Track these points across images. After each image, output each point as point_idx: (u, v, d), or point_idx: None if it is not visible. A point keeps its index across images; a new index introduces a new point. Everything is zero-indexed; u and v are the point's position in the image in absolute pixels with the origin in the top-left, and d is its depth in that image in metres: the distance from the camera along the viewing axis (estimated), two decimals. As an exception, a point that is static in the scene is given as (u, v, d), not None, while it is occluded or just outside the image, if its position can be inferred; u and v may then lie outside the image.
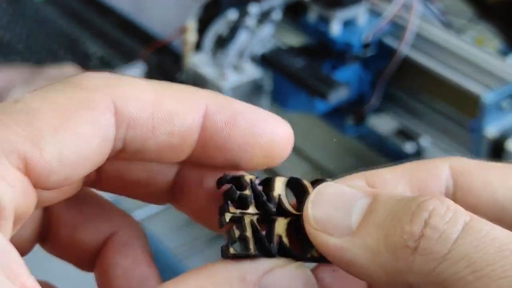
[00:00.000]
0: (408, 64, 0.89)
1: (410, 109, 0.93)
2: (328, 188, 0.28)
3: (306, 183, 0.30)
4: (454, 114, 0.87)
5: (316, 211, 0.28)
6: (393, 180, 0.30)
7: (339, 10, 0.90)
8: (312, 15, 0.92)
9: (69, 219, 0.31)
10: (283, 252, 0.28)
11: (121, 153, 0.28)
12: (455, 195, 0.30)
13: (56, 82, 0.27)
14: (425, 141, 0.91)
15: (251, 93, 0.91)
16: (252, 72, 0.93)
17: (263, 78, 0.94)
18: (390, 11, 0.90)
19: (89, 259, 0.32)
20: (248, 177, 0.29)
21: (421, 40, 0.90)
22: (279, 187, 0.30)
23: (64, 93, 0.27)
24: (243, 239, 0.28)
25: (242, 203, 0.29)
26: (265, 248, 0.28)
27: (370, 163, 0.92)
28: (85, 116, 0.26)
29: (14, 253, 0.24)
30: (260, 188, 0.29)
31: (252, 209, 0.29)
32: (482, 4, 1.09)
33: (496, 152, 0.80)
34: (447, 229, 0.25)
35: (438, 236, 0.25)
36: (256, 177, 0.30)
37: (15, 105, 0.26)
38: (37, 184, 0.26)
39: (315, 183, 0.30)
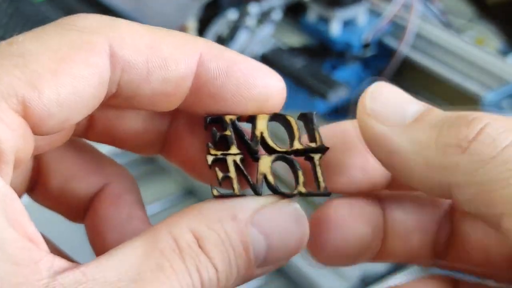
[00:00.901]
0: (408, 64, 0.89)
1: (410, 109, 0.92)
2: (387, 87, 0.29)
3: (290, 118, 0.30)
4: (454, 114, 0.87)
5: (373, 103, 0.28)
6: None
7: (339, 10, 0.90)
8: (312, 15, 0.92)
9: (61, 169, 0.31)
10: (269, 190, 0.28)
11: (113, 99, 0.28)
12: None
13: (50, 24, 0.27)
14: (425, 141, 0.91)
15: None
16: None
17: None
18: (390, 11, 0.90)
19: (79, 210, 0.32)
20: (228, 117, 0.29)
21: (421, 40, 0.90)
22: (262, 125, 0.29)
23: (59, 35, 0.26)
24: (227, 179, 0.28)
25: (224, 144, 0.28)
26: (252, 187, 0.28)
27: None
28: (81, 58, 0.26)
29: (17, 199, 0.24)
30: (242, 127, 0.29)
31: (234, 150, 0.28)
32: (482, 4, 1.09)
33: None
34: (499, 138, 0.26)
35: (490, 141, 0.26)
36: (238, 117, 0.29)
37: (9, 47, 0.26)
38: (35, 128, 0.25)
39: (300, 117, 0.30)
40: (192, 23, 0.95)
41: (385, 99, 0.29)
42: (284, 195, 0.28)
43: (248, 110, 0.29)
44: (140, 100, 0.28)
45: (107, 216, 0.31)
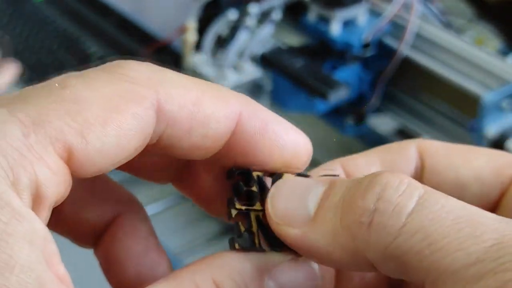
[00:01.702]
0: (408, 64, 0.89)
1: (410, 109, 0.93)
2: (286, 182, 0.29)
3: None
4: (454, 114, 0.87)
5: (275, 205, 0.28)
6: (366, 163, 0.31)
7: (339, 10, 0.90)
8: (312, 15, 0.92)
9: (75, 196, 0.31)
10: (288, 247, 0.28)
11: (151, 147, 0.28)
12: (423, 175, 0.31)
13: (100, 70, 0.27)
14: (425, 141, 0.91)
15: (251, 93, 0.92)
16: (252, 72, 0.93)
17: (263, 78, 0.94)
18: (390, 11, 0.90)
19: (91, 236, 0.32)
20: (255, 173, 0.30)
21: (421, 40, 0.90)
22: None
23: (110, 84, 0.27)
24: (248, 233, 0.28)
25: (249, 199, 0.29)
26: (270, 242, 0.28)
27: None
28: (130, 111, 0.26)
29: (52, 241, 0.25)
30: (267, 184, 0.30)
31: (257, 205, 0.29)
32: (482, 4, 1.09)
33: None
34: (401, 202, 0.25)
35: (392, 209, 0.25)
36: (264, 173, 0.30)
37: (62, 91, 0.26)
38: (74, 173, 0.26)
39: (300, 175, 0.30)
40: (192, 23, 0.95)
41: (285, 199, 0.28)
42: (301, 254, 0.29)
43: (276, 167, 0.30)
44: (176, 151, 0.29)
45: (124, 247, 0.32)
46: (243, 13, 0.91)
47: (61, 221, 0.32)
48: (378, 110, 0.94)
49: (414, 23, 0.89)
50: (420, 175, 0.31)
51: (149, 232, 0.32)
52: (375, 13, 0.92)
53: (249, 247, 0.28)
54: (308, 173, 0.30)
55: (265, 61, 0.92)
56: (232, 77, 0.92)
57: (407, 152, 0.31)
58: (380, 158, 0.31)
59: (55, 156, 0.25)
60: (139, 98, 0.27)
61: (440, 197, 0.25)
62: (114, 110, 0.26)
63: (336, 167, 0.31)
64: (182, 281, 0.26)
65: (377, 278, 0.32)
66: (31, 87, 0.27)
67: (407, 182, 0.25)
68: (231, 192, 0.29)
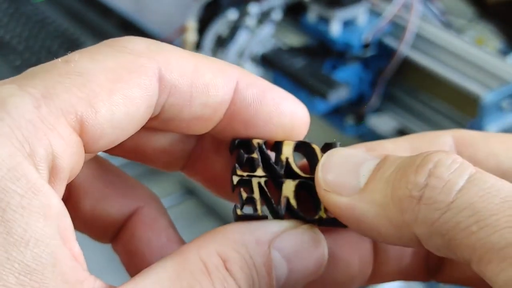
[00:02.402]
0: (408, 64, 0.89)
1: (410, 109, 0.93)
2: (338, 152, 0.29)
3: (315, 146, 0.31)
4: (454, 114, 0.87)
5: (326, 174, 0.28)
6: (395, 150, 0.31)
7: (339, 10, 0.90)
8: (312, 15, 0.92)
9: (93, 190, 0.31)
10: (291, 213, 0.29)
11: (152, 120, 0.28)
12: None
13: (101, 44, 0.28)
14: (425, 141, 0.91)
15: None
16: (252, 72, 0.93)
17: (263, 78, 0.94)
18: (390, 11, 0.90)
19: (109, 231, 0.32)
20: (256, 141, 0.30)
21: (421, 40, 0.90)
22: (288, 150, 0.30)
23: (112, 56, 0.27)
24: (250, 200, 0.29)
25: (250, 166, 0.29)
26: (273, 209, 0.29)
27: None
28: (134, 80, 0.27)
29: (68, 217, 0.25)
30: (268, 151, 0.30)
31: (260, 172, 0.29)
32: (482, 4, 1.09)
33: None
34: (452, 179, 0.25)
35: (443, 185, 0.25)
36: (264, 142, 0.30)
37: (67, 65, 0.26)
38: (87, 146, 0.26)
39: (325, 146, 0.30)
40: (192, 23, 0.95)
41: (336, 168, 0.29)
42: (305, 220, 0.29)
43: (276, 136, 0.30)
44: (178, 124, 0.29)
45: (146, 240, 0.32)
46: (243, 13, 0.91)
47: (79, 217, 0.31)
48: (378, 110, 0.94)
49: (414, 23, 0.89)
50: None
51: (168, 224, 0.32)
52: (375, 13, 0.92)
53: (251, 214, 0.28)
54: (307, 141, 0.31)
55: (265, 61, 0.92)
56: (232, 77, 0.92)
57: (442, 140, 0.31)
58: (411, 145, 0.31)
59: (68, 127, 0.25)
60: (141, 68, 0.27)
61: (490, 177, 0.25)
62: (118, 80, 0.26)
63: (362, 150, 0.31)
64: (187, 256, 0.27)
65: (414, 262, 0.32)
66: (35, 66, 0.27)
67: (460, 161, 0.26)
68: (233, 162, 0.30)
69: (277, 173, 0.30)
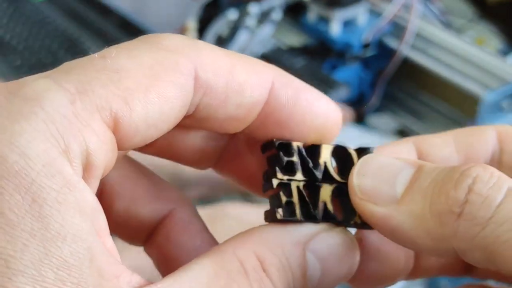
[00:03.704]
0: (408, 64, 0.89)
1: (410, 109, 0.93)
2: (373, 159, 0.29)
3: (352, 151, 0.31)
4: (454, 114, 0.87)
5: (362, 182, 0.28)
6: (441, 144, 0.31)
7: (339, 10, 0.90)
8: (312, 15, 0.92)
9: (126, 192, 0.31)
10: (328, 218, 0.29)
11: (187, 119, 0.28)
12: (501, 159, 0.31)
13: (138, 40, 0.27)
14: (425, 141, 0.91)
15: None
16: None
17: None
18: (390, 11, 0.90)
19: (142, 233, 0.32)
20: (295, 144, 0.30)
21: (421, 40, 0.90)
22: (325, 154, 0.30)
23: (149, 53, 0.27)
24: (289, 204, 0.28)
25: (290, 169, 0.29)
26: (311, 213, 0.29)
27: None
28: (170, 78, 0.26)
29: (102, 213, 0.25)
30: (306, 155, 0.30)
31: (298, 175, 0.29)
32: (482, 4, 1.09)
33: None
34: (491, 194, 0.26)
35: (482, 201, 0.26)
36: (303, 144, 0.30)
37: (103, 60, 0.26)
38: (120, 143, 0.26)
39: (360, 151, 0.30)
40: (192, 23, 0.95)
41: (372, 176, 0.28)
42: (340, 224, 0.29)
43: (309, 138, 0.30)
44: (212, 123, 0.29)
45: (181, 242, 0.32)
46: (243, 13, 0.91)
47: (111, 218, 0.31)
48: (378, 110, 0.94)
49: (414, 23, 0.89)
50: (498, 159, 0.31)
51: (202, 228, 0.32)
52: (375, 13, 0.92)
53: (290, 218, 0.28)
54: (344, 145, 0.31)
55: (265, 61, 0.92)
56: (232, 77, 0.92)
57: (485, 135, 0.31)
58: (456, 140, 0.31)
59: (102, 124, 0.25)
60: (177, 66, 0.27)
61: None
62: (155, 77, 0.26)
63: (409, 145, 0.31)
64: (224, 256, 0.27)
65: (453, 259, 0.32)
66: (71, 61, 0.26)
67: (497, 175, 0.26)
68: (271, 163, 0.29)
69: (316, 178, 0.29)
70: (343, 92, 0.87)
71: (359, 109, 0.94)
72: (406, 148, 0.31)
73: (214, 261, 0.26)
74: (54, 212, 0.23)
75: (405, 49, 0.89)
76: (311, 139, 0.30)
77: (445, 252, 0.27)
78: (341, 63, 0.92)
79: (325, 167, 0.30)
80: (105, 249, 0.24)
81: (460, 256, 0.26)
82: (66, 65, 0.26)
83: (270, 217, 0.28)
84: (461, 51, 0.87)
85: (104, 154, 0.25)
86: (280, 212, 0.28)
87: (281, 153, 0.29)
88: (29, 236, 0.23)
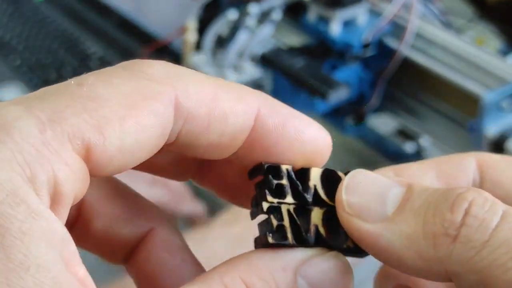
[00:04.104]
0: (408, 64, 0.89)
1: (410, 109, 0.93)
2: (362, 175, 0.29)
3: (341, 174, 0.30)
4: (454, 114, 0.87)
5: (350, 197, 0.28)
6: (420, 173, 0.31)
7: (339, 10, 0.90)
8: (312, 15, 0.92)
9: (105, 211, 0.31)
10: (320, 242, 0.28)
11: (169, 146, 0.28)
12: (482, 188, 0.30)
13: (118, 67, 0.27)
14: (425, 141, 0.91)
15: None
16: (252, 72, 0.93)
17: (263, 78, 0.94)
18: (390, 11, 0.90)
19: (121, 252, 0.32)
20: (284, 167, 0.29)
21: (421, 40, 0.90)
22: (315, 177, 0.30)
23: (129, 81, 0.26)
24: (281, 228, 0.28)
25: (280, 193, 0.29)
26: (302, 237, 0.28)
27: (370, 163, 0.92)
28: (148, 107, 0.26)
29: (71, 242, 0.24)
30: (296, 178, 0.29)
31: (289, 199, 0.29)
32: (482, 4, 1.09)
33: (496, 152, 0.80)
34: (487, 218, 0.26)
35: (479, 224, 0.26)
36: (292, 167, 0.30)
37: (80, 88, 0.25)
38: (93, 171, 0.25)
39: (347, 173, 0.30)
40: (192, 23, 0.95)
41: (361, 192, 0.28)
42: (332, 248, 0.29)
43: (298, 163, 0.29)
44: (195, 150, 0.28)
45: (161, 261, 0.31)
46: (243, 13, 0.91)
47: (91, 237, 0.31)
48: (378, 110, 0.94)
49: (414, 23, 0.89)
50: (479, 188, 0.30)
51: (182, 245, 0.32)
52: (375, 13, 0.92)
53: (282, 242, 0.28)
54: (333, 169, 0.30)
55: (265, 61, 0.92)
56: (232, 77, 0.92)
57: (465, 164, 0.31)
58: (436, 169, 0.31)
59: (72, 153, 0.24)
60: (157, 94, 0.26)
61: None
62: (132, 106, 0.26)
63: (390, 174, 0.31)
64: (211, 283, 0.26)
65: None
66: (48, 86, 0.26)
67: (491, 199, 0.26)
68: (259, 188, 0.29)
69: (306, 201, 0.29)
70: (343, 92, 0.87)
71: (359, 109, 0.94)
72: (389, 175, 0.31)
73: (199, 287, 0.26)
74: (17, 242, 0.23)
75: (405, 49, 0.89)
76: (300, 164, 0.30)
77: (436, 275, 0.26)
78: (341, 63, 0.92)
79: (315, 190, 0.29)
80: (73, 279, 0.23)
81: (451, 279, 0.26)
82: (42, 91, 0.26)
83: (260, 243, 0.28)
84: (461, 51, 0.87)
85: (73, 183, 0.25)
86: (271, 236, 0.28)
87: (270, 176, 0.29)
88: None
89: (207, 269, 0.28)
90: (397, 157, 0.92)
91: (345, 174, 0.30)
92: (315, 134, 0.29)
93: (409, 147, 0.91)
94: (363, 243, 0.28)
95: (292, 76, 0.89)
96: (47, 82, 1.19)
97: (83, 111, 0.25)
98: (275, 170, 0.29)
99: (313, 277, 0.27)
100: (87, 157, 0.25)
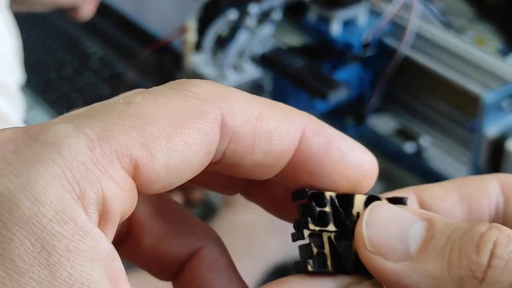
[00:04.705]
0: (408, 64, 0.89)
1: (410, 109, 0.93)
2: (383, 209, 0.28)
3: (384, 200, 0.30)
4: (454, 114, 0.87)
5: (371, 233, 0.28)
6: (442, 195, 0.31)
7: (339, 10, 0.90)
8: (312, 15, 0.92)
9: (155, 228, 0.31)
10: (360, 269, 0.28)
11: (214, 165, 0.28)
12: (507, 210, 0.31)
13: (165, 86, 0.27)
14: (425, 141, 0.91)
15: (251, 94, 0.91)
16: (252, 72, 0.93)
17: (263, 78, 0.94)
18: (390, 11, 0.90)
19: (170, 269, 0.32)
20: (328, 194, 0.29)
21: (421, 40, 0.90)
22: (359, 204, 0.29)
23: (176, 100, 0.26)
24: (320, 255, 0.28)
25: (322, 220, 0.29)
26: (342, 265, 0.28)
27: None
28: (195, 126, 0.26)
29: (118, 260, 0.25)
30: (339, 205, 0.29)
31: (331, 226, 0.29)
32: (482, 4, 1.09)
33: (496, 152, 0.80)
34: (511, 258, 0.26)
35: (504, 265, 0.26)
36: (336, 195, 0.29)
37: (127, 106, 0.26)
38: (140, 189, 0.26)
39: (394, 201, 0.30)
40: (192, 23, 0.95)
41: (382, 228, 0.28)
42: (371, 276, 0.28)
43: (341, 187, 0.29)
44: (240, 170, 0.28)
45: (206, 281, 0.31)
46: (243, 13, 0.91)
47: (141, 253, 0.31)
48: (378, 110, 0.94)
49: (414, 23, 0.89)
50: (503, 210, 0.31)
51: (230, 265, 0.32)
52: (375, 13, 0.92)
53: (321, 270, 0.28)
54: (379, 195, 0.30)
55: (265, 61, 0.92)
56: (232, 77, 0.92)
57: (488, 185, 0.31)
58: (458, 190, 0.31)
59: (121, 170, 0.25)
60: (203, 113, 0.26)
61: None
62: (179, 125, 0.26)
63: (411, 195, 0.30)
64: None
65: None
66: (96, 103, 0.26)
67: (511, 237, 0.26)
68: (302, 213, 0.29)
69: (348, 229, 0.29)
70: (343, 92, 0.87)
71: (359, 109, 0.94)
72: (410, 203, 0.31)
73: None
74: (63, 260, 0.23)
75: (405, 49, 0.89)
76: (344, 189, 0.29)
77: None
78: (341, 63, 0.92)
79: (357, 217, 0.29)
80: None
81: None
82: (90, 109, 0.26)
83: (300, 268, 0.28)
84: (461, 51, 0.87)
85: (122, 201, 0.25)
86: (311, 264, 0.28)
87: (313, 203, 0.29)
88: (36, 284, 0.22)
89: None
90: (397, 157, 0.92)
91: (389, 200, 0.30)
92: (360, 157, 0.29)
93: (409, 147, 0.91)
94: (387, 282, 0.27)
95: (292, 76, 0.89)
96: (47, 82, 1.19)
97: (131, 129, 0.25)
98: (318, 196, 0.29)
99: None
100: (135, 174, 0.25)
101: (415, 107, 0.92)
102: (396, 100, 0.93)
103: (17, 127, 0.25)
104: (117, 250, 0.27)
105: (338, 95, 0.87)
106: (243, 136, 0.27)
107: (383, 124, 0.93)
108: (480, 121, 0.80)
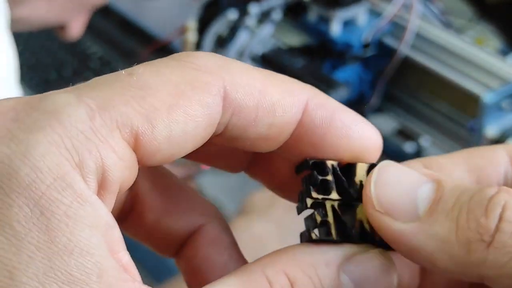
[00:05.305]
0: (408, 64, 0.89)
1: (410, 109, 0.93)
2: (392, 168, 0.28)
3: None
4: (454, 114, 0.87)
5: (379, 192, 0.28)
6: (450, 166, 0.31)
7: (339, 10, 0.90)
8: (312, 15, 0.92)
9: (158, 204, 0.31)
10: (364, 238, 0.28)
11: (217, 138, 0.28)
12: None
13: (168, 58, 0.27)
14: (425, 141, 0.91)
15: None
16: (252, 72, 0.93)
17: (263, 78, 0.94)
18: (390, 11, 0.90)
19: (172, 245, 0.32)
20: (330, 163, 0.29)
21: (421, 40, 0.90)
22: (361, 173, 0.29)
23: (178, 71, 0.26)
24: (324, 224, 0.28)
25: (324, 189, 0.29)
26: (347, 233, 0.28)
27: (370, 163, 0.92)
28: (196, 97, 0.26)
29: (116, 228, 0.25)
30: (341, 174, 0.29)
31: (333, 195, 0.29)
32: (482, 4, 1.09)
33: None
34: None
35: None
36: (338, 163, 0.29)
37: (129, 77, 0.26)
38: (141, 160, 0.26)
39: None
40: (192, 23, 0.95)
41: (391, 188, 0.28)
42: (377, 245, 0.28)
43: (344, 159, 0.29)
44: (243, 142, 0.28)
45: (208, 257, 0.31)
46: (243, 13, 0.91)
47: (143, 229, 0.31)
48: (378, 110, 0.94)
49: (414, 23, 0.89)
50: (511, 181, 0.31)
51: (232, 243, 0.32)
52: (375, 13, 0.92)
53: (326, 238, 0.27)
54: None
55: (265, 61, 0.92)
56: (232, 77, 0.92)
57: (496, 156, 0.31)
58: (466, 161, 0.31)
59: (121, 140, 0.25)
60: (206, 85, 0.26)
61: None
62: (181, 96, 0.26)
63: (419, 166, 0.30)
64: (252, 274, 0.26)
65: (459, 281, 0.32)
66: (99, 76, 0.26)
67: None
68: (305, 183, 0.29)
69: (351, 197, 0.29)
70: (343, 92, 0.87)
71: (359, 109, 0.94)
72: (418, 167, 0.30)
73: (242, 280, 0.26)
74: (62, 226, 0.23)
75: (405, 49, 0.89)
76: (346, 159, 0.29)
77: (468, 277, 0.26)
78: (341, 63, 0.92)
79: (361, 185, 0.29)
80: (116, 265, 0.24)
81: (483, 281, 0.26)
82: (93, 80, 0.26)
83: (305, 238, 0.28)
84: (461, 51, 0.87)
85: (121, 171, 0.25)
86: (315, 232, 0.27)
87: (315, 172, 0.29)
88: (35, 249, 0.23)
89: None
90: (397, 157, 0.92)
91: (369, 168, 0.29)
92: (363, 130, 0.29)
93: (409, 147, 0.91)
94: (394, 242, 0.27)
95: (292, 76, 0.89)
96: (47, 82, 1.19)
97: (132, 100, 0.25)
98: (320, 166, 0.29)
99: (357, 274, 0.27)
100: (135, 145, 0.25)
101: (415, 107, 0.92)
102: (396, 100, 0.93)
103: (20, 97, 0.25)
104: (120, 226, 0.27)
105: (338, 95, 0.87)
106: (246, 109, 0.27)
107: (383, 124, 0.93)
108: (480, 121, 0.80)
